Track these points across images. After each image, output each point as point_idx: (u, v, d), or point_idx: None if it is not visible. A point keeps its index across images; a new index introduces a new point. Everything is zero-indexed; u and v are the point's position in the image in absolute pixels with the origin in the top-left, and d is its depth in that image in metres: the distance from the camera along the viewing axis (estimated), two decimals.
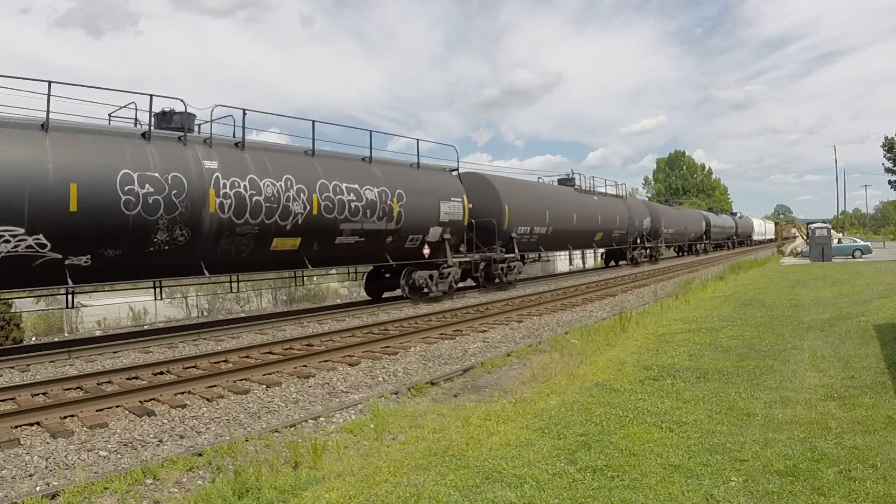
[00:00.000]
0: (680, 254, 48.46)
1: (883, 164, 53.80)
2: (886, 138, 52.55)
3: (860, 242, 36.64)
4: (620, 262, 35.45)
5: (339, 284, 26.82)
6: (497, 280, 21.26)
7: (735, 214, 73.58)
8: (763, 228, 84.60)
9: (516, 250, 21.82)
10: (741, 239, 70.25)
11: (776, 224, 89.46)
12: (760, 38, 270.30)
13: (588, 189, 29.83)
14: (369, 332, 12.14)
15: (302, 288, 24.74)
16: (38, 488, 4.79)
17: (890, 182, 53.68)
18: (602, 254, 36.63)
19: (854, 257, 32.87)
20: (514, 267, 22.04)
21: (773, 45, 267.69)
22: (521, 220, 22.12)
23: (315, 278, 24.98)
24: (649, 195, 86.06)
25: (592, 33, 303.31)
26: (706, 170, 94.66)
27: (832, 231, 36.34)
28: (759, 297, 14.71)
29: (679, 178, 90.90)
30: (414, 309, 16.23)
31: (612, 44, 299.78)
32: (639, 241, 35.35)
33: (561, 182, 29.19)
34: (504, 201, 21.19)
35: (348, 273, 19.88)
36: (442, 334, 11.67)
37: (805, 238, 41.79)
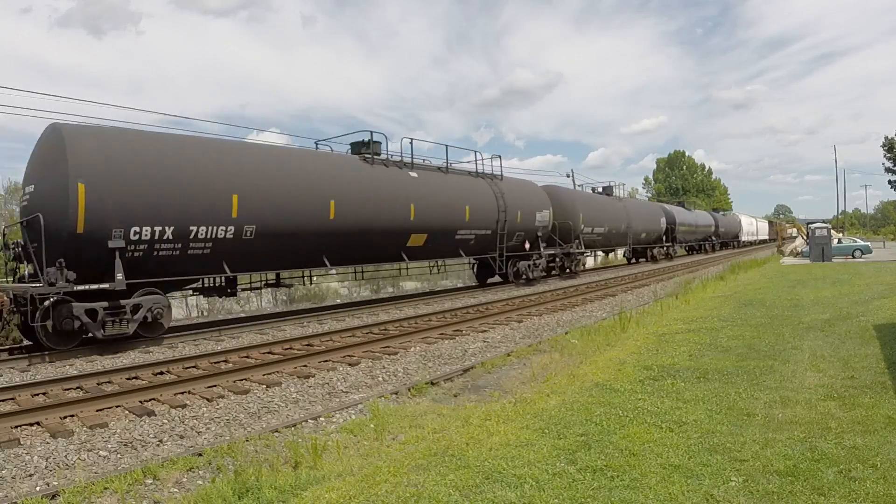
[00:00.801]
0: (633, 260, 38.31)
1: (883, 164, 53.69)
2: (886, 138, 52.42)
3: (860, 242, 36.62)
4: (512, 280, 22.40)
5: (338, 284, 26.80)
6: (96, 335, 10.59)
7: (717, 211, 63.27)
8: (754, 228, 72.85)
9: (119, 274, 10.59)
10: (725, 240, 59.80)
11: (771, 223, 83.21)
12: (761, 38, 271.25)
13: (399, 161, 17.34)
14: (369, 332, 12.14)
15: (302, 288, 24.72)
16: (38, 488, 4.79)
17: (890, 182, 53.57)
18: (471, 264, 22.98)
19: (854, 257, 32.86)
20: (137, 309, 11.03)
21: (774, 46, 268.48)
22: (135, 213, 10.91)
23: (315, 278, 24.31)
24: (649, 195, 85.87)
25: (593, 33, 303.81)
26: (706, 170, 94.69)
27: (832, 231, 36.33)
28: (759, 297, 14.71)
29: (679, 178, 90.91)
30: (414, 309, 16.22)
31: (612, 44, 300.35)
32: (528, 245, 22.49)
33: (354, 150, 17.12)
34: (74, 175, 10.27)
35: None
36: (442, 334, 11.67)
37: (805, 238, 41.79)
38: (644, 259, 38.29)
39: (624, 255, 38.92)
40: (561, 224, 24.97)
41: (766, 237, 77.87)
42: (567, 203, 26.12)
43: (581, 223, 26.54)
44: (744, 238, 65.93)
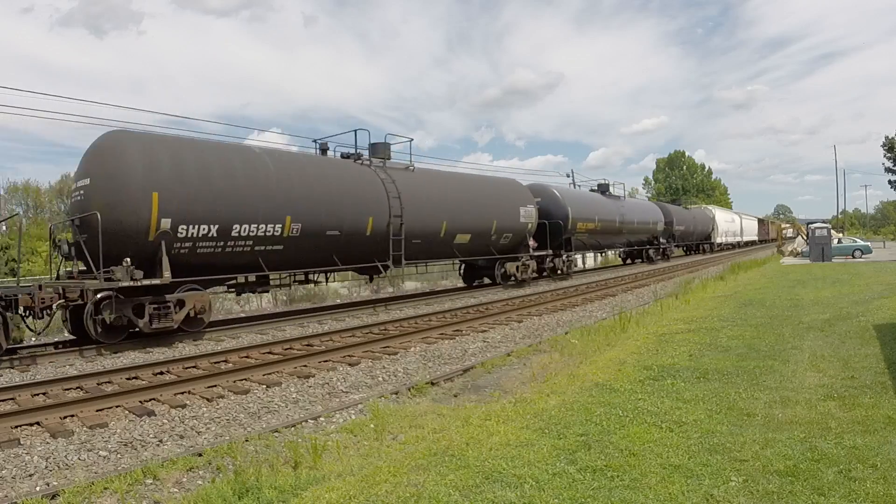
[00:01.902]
0: (474, 284, 22.65)
1: (883, 164, 53.76)
2: (887, 138, 52.49)
3: (860, 242, 36.65)
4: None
5: (339, 284, 26.78)
6: None
7: (678, 202, 47.63)
8: (736, 226, 57.29)
9: None
10: (688, 243, 45.91)
11: (762, 221, 75.50)
12: (761, 38, 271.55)
13: None
14: (369, 332, 12.14)
15: (302, 288, 24.70)
16: (38, 488, 4.79)
17: (890, 182, 53.64)
18: None
19: (854, 257, 32.87)
20: None
21: (774, 46, 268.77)
22: None
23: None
24: (649, 195, 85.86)
25: (594, 33, 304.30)
26: (706, 170, 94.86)
27: (832, 231, 36.32)
28: (759, 297, 14.70)
29: (679, 178, 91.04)
30: (414, 309, 16.23)
31: (613, 44, 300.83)
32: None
33: None
34: None
35: None
36: (442, 334, 11.67)
37: (804, 238, 41.70)
38: (490, 281, 21.90)
39: (457, 275, 24.53)
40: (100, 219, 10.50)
41: (755, 238, 67.04)
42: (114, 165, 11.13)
43: (155, 215, 11.12)
44: (720, 240, 50.84)
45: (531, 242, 22.25)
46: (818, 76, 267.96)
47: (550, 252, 23.84)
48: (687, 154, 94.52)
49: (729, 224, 54.65)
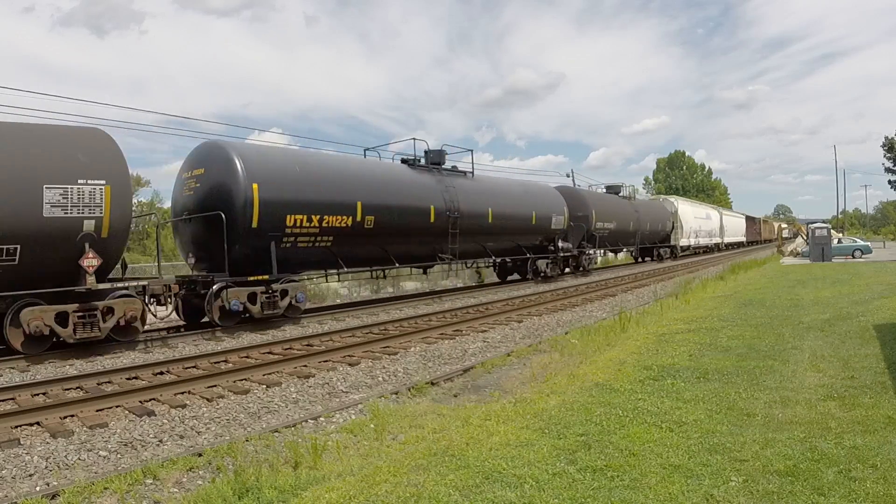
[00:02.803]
0: None
1: (883, 164, 53.67)
2: (886, 138, 52.39)
3: (860, 242, 36.65)
4: None
5: (339, 284, 26.78)
6: None
7: (619, 191, 33.63)
8: (713, 225, 46.30)
9: None
10: (631, 247, 33.90)
11: (752, 220, 69.69)
12: (762, 38, 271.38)
13: None
14: (369, 332, 12.14)
15: None
16: (38, 488, 4.79)
17: (890, 182, 53.54)
18: None
19: (854, 257, 32.88)
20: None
21: (775, 46, 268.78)
22: None
23: (315, 278, 22.98)
24: (650, 195, 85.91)
25: (594, 33, 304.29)
26: (706, 170, 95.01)
27: (832, 231, 36.32)
28: (759, 297, 14.71)
29: (679, 177, 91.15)
30: (414, 309, 16.23)
31: (613, 44, 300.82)
32: None
33: None
34: None
35: None
36: (442, 334, 11.67)
37: (805, 238, 41.63)
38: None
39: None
40: None
41: (742, 239, 58.64)
42: None
43: None
44: (685, 241, 40.07)
45: (89, 261, 9.93)
46: (818, 76, 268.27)
47: (163, 280, 11.60)
48: (687, 154, 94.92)
49: (701, 221, 43.44)
